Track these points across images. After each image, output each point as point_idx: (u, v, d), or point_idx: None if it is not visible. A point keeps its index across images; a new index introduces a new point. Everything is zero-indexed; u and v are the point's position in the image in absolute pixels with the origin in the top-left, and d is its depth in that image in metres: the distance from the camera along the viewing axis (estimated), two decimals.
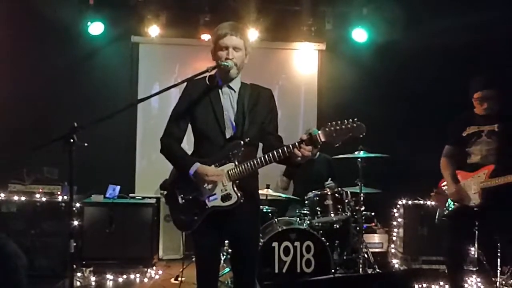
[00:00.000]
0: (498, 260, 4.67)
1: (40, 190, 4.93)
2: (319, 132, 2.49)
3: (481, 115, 3.90)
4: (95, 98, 5.79)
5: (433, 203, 5.33)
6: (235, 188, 2.65)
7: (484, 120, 3.89)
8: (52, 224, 4.77)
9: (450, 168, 3.97)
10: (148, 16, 5.93)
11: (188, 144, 2.87)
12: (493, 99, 3.84)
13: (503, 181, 3.68)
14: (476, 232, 4.24)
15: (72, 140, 2.41)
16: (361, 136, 2.49)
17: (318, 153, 5.41)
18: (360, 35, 6.16)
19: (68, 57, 5.88)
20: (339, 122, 2.50)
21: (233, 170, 2.65)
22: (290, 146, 2.52)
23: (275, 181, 5.70)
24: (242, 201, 2.64)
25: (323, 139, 2.49)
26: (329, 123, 2.50)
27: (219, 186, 2.66)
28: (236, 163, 2.65)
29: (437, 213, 4.18)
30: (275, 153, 2.56)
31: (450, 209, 3.98)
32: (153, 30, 5.96)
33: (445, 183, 4.06)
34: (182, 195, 2.75)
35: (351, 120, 2.50)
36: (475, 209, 3.82)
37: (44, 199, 4.88)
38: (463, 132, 3.93)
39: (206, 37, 5.93)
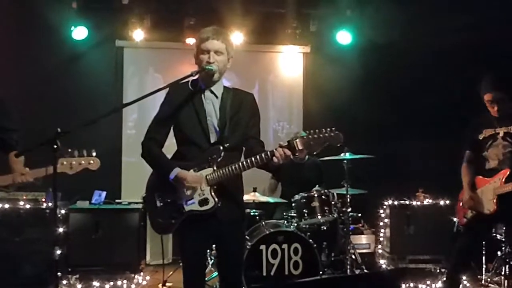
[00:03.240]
0: (483, 257, 4.74)
1: (24, 197, 4.84)
2: (297, 140, 2.54)
3: (495, 117, 3.66)
4: (79, 103, 5.74)
5: (418, 202, 5.39)
6: (213, 193, 2.66)
7: (499, 122, 3.66)
8: (37, 231, 4.69)
9: (469, 174, 3.78)
10: (133, 20, 5.91)
11: (165, 148, 2.83)
12: (504, 100, 3.60)
13: None
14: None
15: (55, 146, 2.39)
16: (338, 145, 2.55)
17: (307, 157, 5.42)
18: (344, 37, 6.21)
19: (52, 62, 5.81)
20: (317, 130, 2.55)
21: (211, 175, 2.66)
22: (268, 153, 2.56)
23: (262, 185, 5.70)
24: (219, 205, 2.65)
25: (300, 147, 2.53)
26: (308, 132, 2.55)
27: (197, 190, 2.67)
28: (215, 168, 2.66)
29: (456, 224, 4.17)
30: (253, 159, 2.59)
31: (468, 217, 3.77)
32: (138, 34, 5.94)
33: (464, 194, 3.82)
34: (160, 198, 2.76)
35: (328, 129, 2.55)
36: (489, 216, 3.61)
37: (28, 206, 4.80)
38: (479, 136, 3.72)
39: (191, 40, 5.91)
